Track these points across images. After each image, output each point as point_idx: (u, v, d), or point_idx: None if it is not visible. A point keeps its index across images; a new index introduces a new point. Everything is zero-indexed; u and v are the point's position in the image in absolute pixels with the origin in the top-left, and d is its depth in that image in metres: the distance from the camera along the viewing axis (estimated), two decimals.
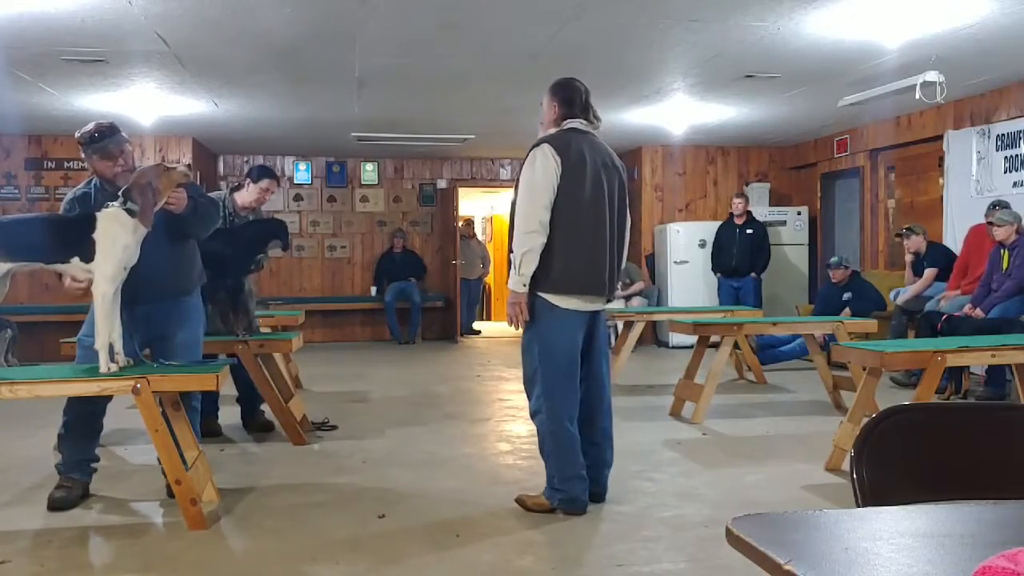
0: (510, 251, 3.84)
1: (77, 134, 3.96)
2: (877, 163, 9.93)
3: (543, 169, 3.69)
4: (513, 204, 3.83)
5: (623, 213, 3.95)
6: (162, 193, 3.72)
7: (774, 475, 4.53)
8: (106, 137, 3.90)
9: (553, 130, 3.86)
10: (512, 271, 3.77)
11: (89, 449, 4.13)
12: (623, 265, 4.07)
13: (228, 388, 4.76)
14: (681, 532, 3.60)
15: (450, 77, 7.19)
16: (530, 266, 3.70)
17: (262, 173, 5.63)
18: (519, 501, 3.96)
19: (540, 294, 3.76)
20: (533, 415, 3.89)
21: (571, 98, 3.87)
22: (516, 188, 3.83)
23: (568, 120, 3.85)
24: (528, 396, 3.92)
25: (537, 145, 3.77)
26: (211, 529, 3.66)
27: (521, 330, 3.88)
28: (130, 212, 3.63)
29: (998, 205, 7.07)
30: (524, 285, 3.73)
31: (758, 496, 4.15)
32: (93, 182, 4.05)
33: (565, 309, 3.77)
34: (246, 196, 5.56)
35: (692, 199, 11.59)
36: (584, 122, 3.87)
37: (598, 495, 3.97)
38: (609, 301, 3.99)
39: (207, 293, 4.74)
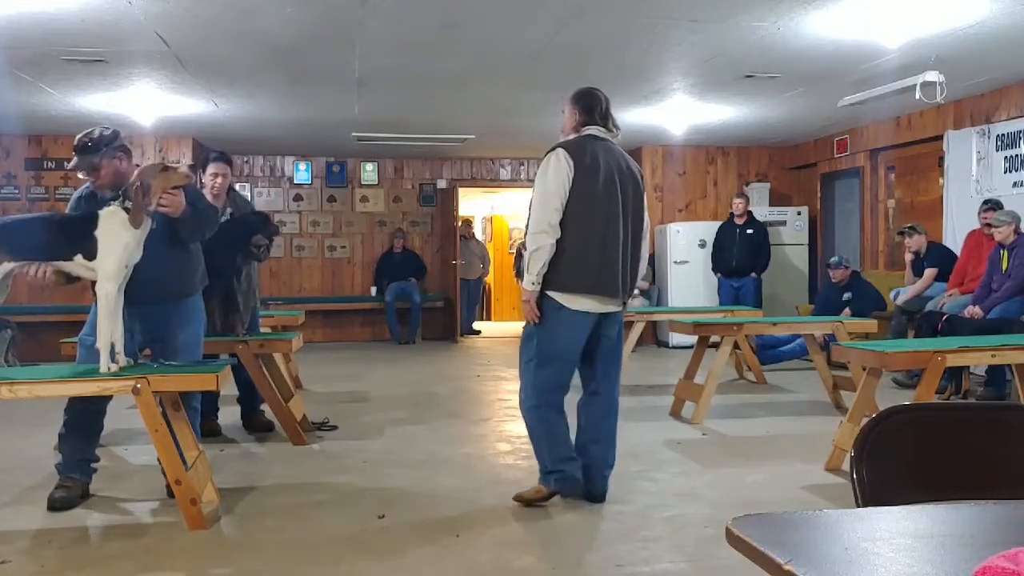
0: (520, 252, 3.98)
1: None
2: (877, 163, 9.93)
3: (555, 172, 3.81)
4: (530, 206, 3.94)
5: (639, 217, 4.02)
6: (155, 193, 3.70)
7: (774, 475, 4.53)
8: (79, 155, 3.90)
9: (573, 136, 3.97)
10: (525, 270, 3.88)
11: (89, 449, 4.12)
12: (642, 270, 4.13)
13: (228, 388, 4.76)
14: (681, 532, 3.60)
15: (450, 77, 7.18)
16: (538, 265, 3.81)
17: (213, 159, 5.38)
18: (518, 498, 4.02)
19: (549, 293, 3.86)
20: (521, 404, 4.02)
21: (591, 106, 3.99)
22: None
23: (587, 127, 3.96)
24: (520, 387, 4.04)
25: (552, 150, 3.89)
26: (211, 529, 3.66)
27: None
28: (127, 211, 3.63)
29: (991, 204, 7.09)
30: (534, 284, 3.84)
31: (758, 496, 4.15)
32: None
33: (572, 310, 3.86)
34: (206, 190, 5.29)
35: (692, 199, 11.58)
36: (602, 129, 3.98)
37: (598, 495, 4.01)
38: (624, 304, 4.05)
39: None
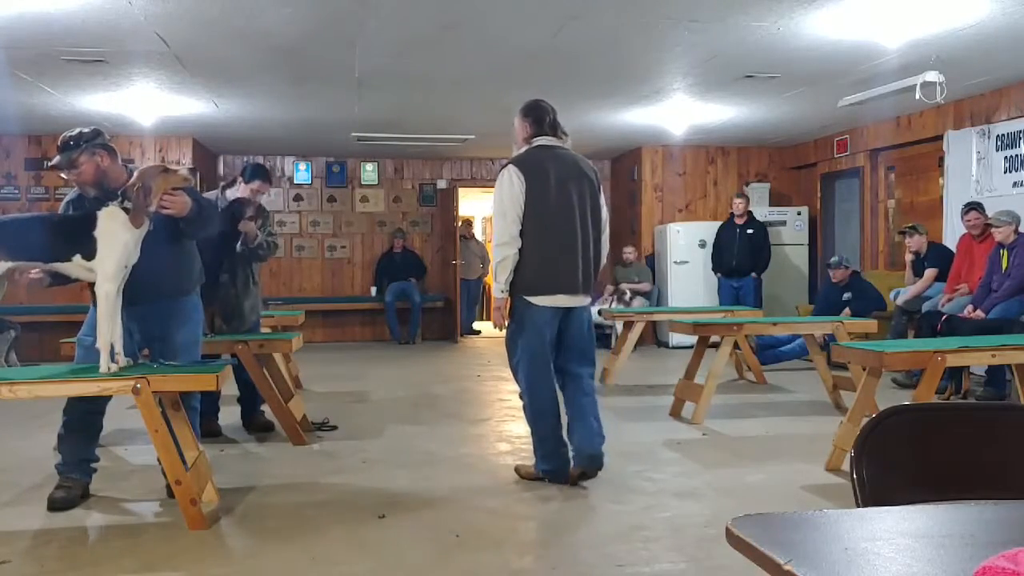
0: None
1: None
2: (877, 163, 9.93)
3: (508, 188, 4.18)
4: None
5: (596, 216, 4.36)
6: (155, 194, 3.71)
7: (774, 475, 4.53)
8: (60, 152, 3.91)
9: (524, 148, 4.30)
10: (495, 280, 4.27)
11: (89, 449, 4.12)
12: (601, 263, 4.46)
13: (229, 388, 4.76)
14: (681, 532, 3.60)
15: (450, 77, 7.18)
16: (505, 274, 4.21)
17: (254, 174, 5.56)
18: (516, 470, 4.53)
19: (520, 295, 4.25)
20: (520, 397, 4.41)
21: (541, 118, 4.32)
22: None
23: (537, 138, 4.29)
24: (516, 382, 4.44)
25: (505, 167, 4.25)
26: (211, 529, 3.66)
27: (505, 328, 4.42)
28: (127, 211, 3.64)
29: (971, 206, 7.11)
30: (502, 291, 4.25)
31: (758, 496, 4.16)
32: None
33: (540, 307, 4.23)
34: (236, 195, 5.50)
35: (692, 199, 11.59)
36: (552, 138, 4.30)
37: (597, 461, 4.27)
38: (590, 298, 4.42)
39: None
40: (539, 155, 4.23)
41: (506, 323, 4.31)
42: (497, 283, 4.22)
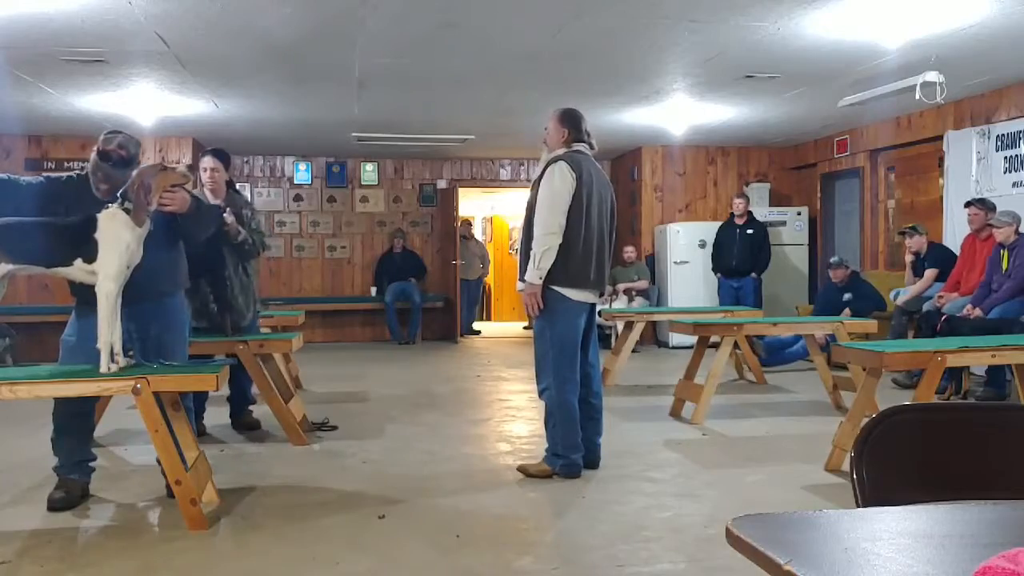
0: (528, 249, 4.40)
1: (102, 140, 3.93)
2: (877, 163, 9.93)
3: (561, 182, 4.33)
4: (530, 207, 4.46)
5: (613, 224, 4.67)
6: (155, 193, 3.71)
7: (774, 475, 4.53)
8: (115, 167, 3.87)
9: (563, 150, 4.46)
10: (530, 265, 4.36)
11: (84, 450, 4.12)
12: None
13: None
14: (681, 532, 3.60)
15: (450, 77, 7.18)
16: (548, 262, 4.33)
17: (203, 154, 5.48)
18: (522, 469, 4.55)
19: (554, 287, 4.37)
20: (542, 393, 4.50)
21: (578, 125, 4.52)
22: (534, 194, 4.44)
23: (576, 143, 4.49)
24: (538, 377, 4.53)
25: (555, 161, 4.40)
26: (211, 529, 3.66)
27: (533, 319, 4.53)
28: (127, 211, 3.64)
29: (972, 201, 7.10)
30: (541, 278, 4.34)
31: (758, 496, 4.16)
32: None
33: (576, 301, 4.42)
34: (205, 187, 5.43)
35: (692, 199, 11.58)
36: (587, 146, 4.53)
37: (593, 462, 4.56)
38: (601, 296, 4.65)
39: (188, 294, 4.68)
40: (579, 159, 4.43)
41: (540, 311, 4.39)
42: (538, 269, 4.32)
